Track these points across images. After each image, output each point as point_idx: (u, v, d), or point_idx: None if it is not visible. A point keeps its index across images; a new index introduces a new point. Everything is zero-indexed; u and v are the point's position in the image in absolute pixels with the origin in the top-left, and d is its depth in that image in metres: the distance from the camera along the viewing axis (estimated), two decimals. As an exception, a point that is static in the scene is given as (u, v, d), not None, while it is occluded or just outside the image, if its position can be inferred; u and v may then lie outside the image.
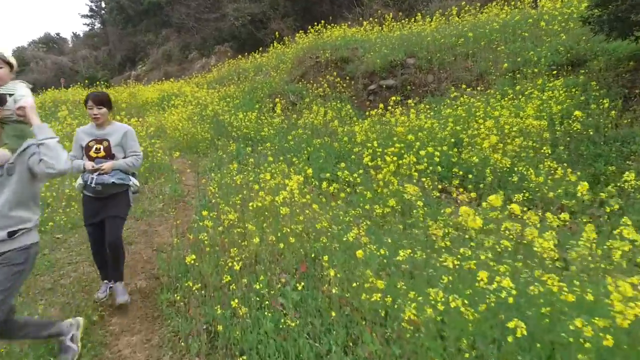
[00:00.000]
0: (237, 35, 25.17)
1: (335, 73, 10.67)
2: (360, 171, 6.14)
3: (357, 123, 7.97)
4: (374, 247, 3.74)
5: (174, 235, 4.82)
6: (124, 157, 3.51)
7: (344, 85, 10.30)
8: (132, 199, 3.70)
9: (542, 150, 5.40)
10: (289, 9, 24.83)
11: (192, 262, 3.50)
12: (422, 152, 5.45)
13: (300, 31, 14.32)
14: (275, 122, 10.01)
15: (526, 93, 6.92)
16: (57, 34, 51.89)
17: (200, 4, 27.56)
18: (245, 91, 13.23)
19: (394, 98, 8.05)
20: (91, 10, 42.50)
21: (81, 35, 48.67)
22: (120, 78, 30.98)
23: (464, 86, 8.26)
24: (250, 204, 4.25)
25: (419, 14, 12.30)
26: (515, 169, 5.23)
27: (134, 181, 3.67)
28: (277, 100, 10.02)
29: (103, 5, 41.05)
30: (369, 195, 4.95)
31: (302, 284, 3.24)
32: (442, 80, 9.18)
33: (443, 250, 3.25)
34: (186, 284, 3.47)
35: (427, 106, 7.86)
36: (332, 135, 8.14)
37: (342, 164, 5.34)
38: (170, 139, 10.57)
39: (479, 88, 8.00)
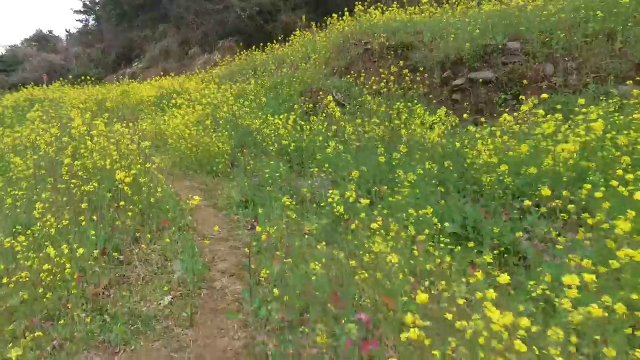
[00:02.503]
0: (242, 29, 21.85)
1: (401, 62, 7.50)
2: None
3: (475, 135, 4.83)
4: None
5: None
6: None
7: (417, 78, 7.15)
8: None
9: None
10: (300, 0, 21.63)
11: None
12: None
13: (334, 15, 11.09)
14: (319, 129, 6.85)
15: None
16: (50, 32, 47.99)
17: (201, -5, 24.17)
18: (267, 88, 10.02)
19: (545, 99, 4.83)
20: (84, 5, 38.67)
21: (74, 32, 44.86)
22: (114, 76, 27.48)
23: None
24: None
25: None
26: None
27: None
28: (328, 98, 6.83)
29: (97, 0, 37.35)
30: (621, 309, 1.84)
31: None
32: (569, 71, 6.07)
33: None
34: None
35: (582, 110, 4.72)
36: (431, 152, 5.00)
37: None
38: (173, 152, 7.33)
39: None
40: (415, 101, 6.62)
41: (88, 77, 14.61)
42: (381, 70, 7.49)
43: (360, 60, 8.43)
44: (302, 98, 8.37)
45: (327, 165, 5.31)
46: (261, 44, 14.14)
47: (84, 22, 41.70)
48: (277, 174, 5.47)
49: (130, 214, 3.71)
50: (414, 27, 8.62)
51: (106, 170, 4.45)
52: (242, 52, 15.00)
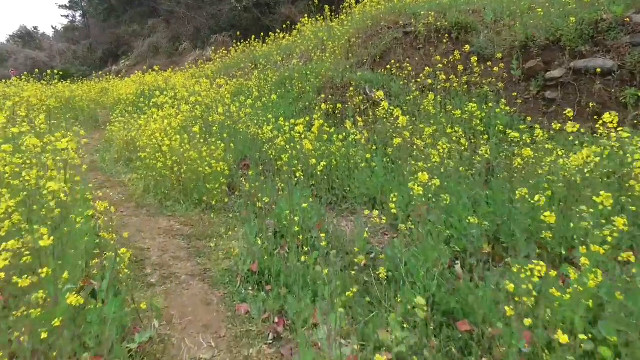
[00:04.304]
0: (238, 23, 19.43)
1: (467, 48, 5.26)
2: None
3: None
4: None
5: None
6: None
7: (494, 69, 4.92)
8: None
9: None
10: (301, -8, 19.30)
11: None
12: None
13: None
14: (355, 139, 4.61)
15: None
16: (35, 28, 45.04)
17: (193, -12, 21.70)
18: (272, 83, 7.74)
19: None
20: (71, 0, 35.89)
21: (60, 28, 42.01)
22: (98, 74, 24.89)
23: None
24: None
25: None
26: None
27: None
28: (378, 94, 4.58)
29: (83, -6, 34.62)
30: None
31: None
32: None
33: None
34: None
35: None
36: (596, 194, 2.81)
37: None
38: (146, 172, 5.01)
39: None
40: (503, 101, 4.41)
41: (56, 72, 12.10)
42: (438, 58, 5.24)
43: (400, 47, 6.20)
44: (322, 96, 6.11)
45: (392, 204, 3.06)
46: (262, 34, 11.84)
47: (70, 17, 38.96)
48: (310, 216, 3.22)
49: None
50: (467, 4, 6.42)
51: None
52: (238, 44, 12.66)
